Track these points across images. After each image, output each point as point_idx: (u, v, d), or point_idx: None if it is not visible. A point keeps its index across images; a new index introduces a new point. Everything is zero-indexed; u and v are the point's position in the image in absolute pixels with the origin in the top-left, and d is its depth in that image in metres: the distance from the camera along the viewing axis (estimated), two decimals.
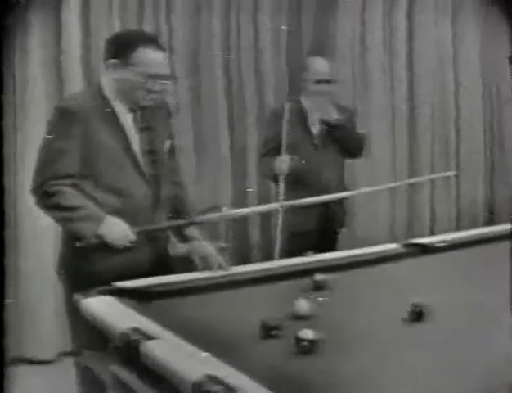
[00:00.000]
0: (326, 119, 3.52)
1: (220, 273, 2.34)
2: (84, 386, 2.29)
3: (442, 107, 5.06)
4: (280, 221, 3.28)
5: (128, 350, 1.59)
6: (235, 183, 4.33)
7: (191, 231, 2.51)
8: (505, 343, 1.62)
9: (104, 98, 2.35)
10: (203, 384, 1.29)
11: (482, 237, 2.91)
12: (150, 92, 2.33)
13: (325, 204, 3.44)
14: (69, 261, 2.37)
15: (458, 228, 4.84)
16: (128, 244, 2.29)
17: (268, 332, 1.70)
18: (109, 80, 2.36)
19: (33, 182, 2.33)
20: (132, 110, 2.38)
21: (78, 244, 2.27)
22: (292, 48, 4.41)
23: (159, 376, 1.46)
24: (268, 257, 3.41)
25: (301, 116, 3.56)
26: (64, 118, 2.30)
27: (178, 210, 2.55)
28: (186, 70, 4.18)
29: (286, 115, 3.37)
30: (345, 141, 3.56)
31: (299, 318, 1.86)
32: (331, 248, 3.30)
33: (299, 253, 2.56)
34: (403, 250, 2.69)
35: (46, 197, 2.29)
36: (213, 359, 1.46)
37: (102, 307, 1.88)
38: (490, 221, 4.98)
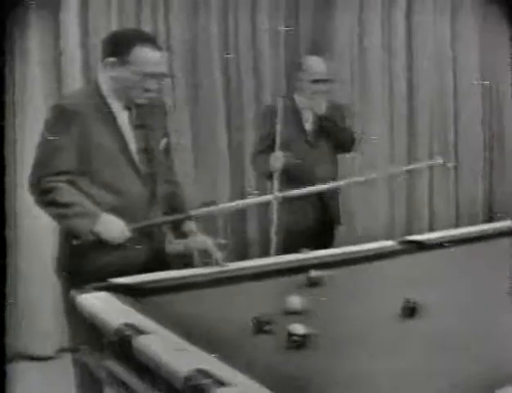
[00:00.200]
0: (315, 112, 3.55)
1: (216, 268, 2.36)
2: (82, 381, 2.31)
3: (440, 106, 5.06)
4: (274, 216, 3.30)
5: (121, 345, 1.61)
6: (232, 181, 4.35)
7: (189, 226, 2.53)
8: (500, 338, 1.64)
9: (101, 96, 2.37)
10: (193, 378, 1.30)
11: (479, 235, 2.91)
12: (146, 90, 2.36)
13: (320, 201, 3.48)
14: (67, 259, 2.39)
15: (457, 226, 4.84)
16: (124, 241, 2.31)
17: (260, 327, 1.72)
18: (106, 78, 2.39)
19: (30, 178, 2.35)
20: (128, 108, 2.40)
21: (74, 242, 2.29)
22: (290, 48, 4.42)
23: (151, 370, 1.48)
24: (266, 254, 3.42)
25: (295, 114, 3.59)
26: (61, 116, 2.33)
27: (175, 207, 2.57)
28: (184, 70, 4.20)
29: (279, 112, 3.38)
30: (334, 134, 3.59)
31: (292, 313, 1.87)
32: (328, 245, 3.31)
33: (295, 250, 2.58)
34: (399, 247, 2.70)
35: (43, 194, 2.31)
36: (205, 354, 1.47)
37: (97, 303, 1.90)
38: (489, 219, 4.98)
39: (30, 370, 3.65)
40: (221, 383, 1.28)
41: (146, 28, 3.93)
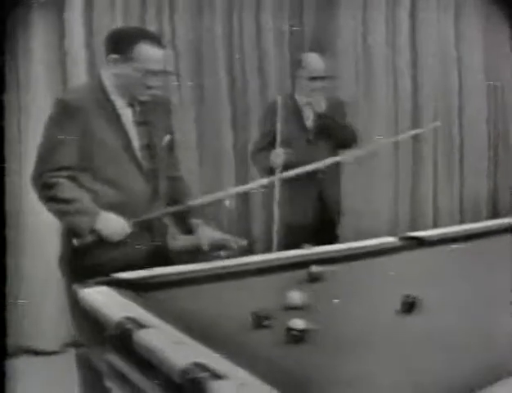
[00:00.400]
0: (315, 110, 3.56)
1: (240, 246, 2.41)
2: (84, 375, 2.34)
3: (445, 105, 5.06)
4: (276, 212, 3.31)
5: (122, 339, 1.63)
6: (237, 180, 4.36)
7: (195, 221, 2.55)
8: (500, 335, 1.64)
9: (104, 93, 2.40)
10: (190, 371, 1.31)
11: (481, 231, 2.92)
12: (148, 87, 2.38)
13: (320, 196, 3.49)
14: (69, 256, 2.40)
15: (461, 222, 4.85)
16: (124, 238, 2.33)
17: (259, 322, 1.73)
18: (109, 75, 2.41)
19: (32, 173, 2.38)
20: (131, 104, 2.42)
21: (75, 242, 2.32)
22: (295, 47, 4.43)
23: (151, 363, 1.49)
24: (269, 250, 3.43)
25: (296, 111, 3.62)
26: (64, 111, 2.35)
27: (178, 203, 2.59)
28: (189, 69, 4.22)
29: (279, 108, 3.39)
30: (334, 131, 3.60)
31: (292, 308, 1.88)
32: (330, 241, 3.32)
33: (297, 246, 2.59)
34: (400, 243, 2.71)
35: (44, 189, 2.33)
36: (203, 348, 1.49)
37: (99, 297, 1.91)
38: (493, 216, 4.98)
39: (34, 364, 3.69)
40: (217, 376, 1.29)
41: (151, 28, 3.94)
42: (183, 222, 2.58)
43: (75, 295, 2.00)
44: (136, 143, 2.42)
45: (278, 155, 3.39)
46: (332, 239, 3.51)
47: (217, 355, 1.43)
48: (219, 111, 4.33)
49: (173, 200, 2.58)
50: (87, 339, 2.10)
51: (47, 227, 3.48)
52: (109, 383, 1.77)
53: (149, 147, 2.45)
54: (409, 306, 1.87)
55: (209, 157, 4.33)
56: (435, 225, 4.90)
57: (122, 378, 1.67)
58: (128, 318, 1.66)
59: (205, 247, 2.45)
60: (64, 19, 3.81)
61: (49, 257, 3.22)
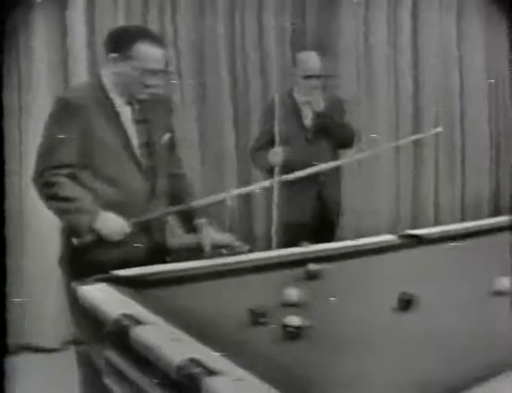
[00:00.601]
0: (313, 109, 3.56)
1: (242, 252, 2.42)
2: (84, 372, 2.35)
3: (447, 104, 5.06)
4: (274, 211, 3.32)
5: (119, 335, 1.64)
6: (239, 179, 4.38)
7: (199, 221, 2.56)
8: (496, 333, 1.64)
9: (103, 91, 2.41)
10: (186, 367, 1.33)
11: (480, 229, 2.93)
12: (146, 86, 2.39)
13: (319, 196, 3.49)
14: (69, 254, 2.42)
15: (463, 220, 4.85)
16: (123, 237, 2.35)
17: (256, 319, 1.74)
18: (108, 74, 2.42)
19: (33, 171, 2.39)
20: (129, 103, 2.44)
21: (74, 242, 2.33)
22: (297, 47, 4.43)
23: (148, 360, 1.50)
24: (269, 248, 3.44)
25: (294, 110, 3.62)
26: (65, 109, 2.37)
27: (180, 201, 2.61)
28: (191, 69, 4.24)
29: (277, 107, 3.40)
30: (333, 130, 3.60)
31: (289, 305, 1.89)
32: (329, 239, 3.33)
33: (296, 244, 2.60)
34: (399, 241, 2.72)
35: (45, 187, 2.35)
36: (199, 344, 1.50)
37: (98, 294, 1.93)
38: (495, 214, 4.98)
39: (35, 362, 3.71)
40: (213, 372, 1.30)
41: (153, 27, 3.95)
42: (187, 221, 2.59)
43: (75, 292, 2.01)
44: (135, 141, 2.43)
45: (277, 153, 3.40)
46: (331, 239, 3.52)
47: (213, 352, 1.44)
48: (221, 110, 4.35)
49: (175, 197, 2.59)
50: (86, 336, 2.11)
51: (46, 226, 3.49)
52: (108, 380, 1.78)
53: (148, 145, 2.46)
54: (406, 304, 1.87)
55: (211, 156, 4.35)
56: (436, 223, 4.91)
57: (120, 375, 1.68)
58: (126, 315, 1.67)
59: (206, 249, 2.47)
60: (66, 17, 3.82)
61: (49, 256, 3.24)
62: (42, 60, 3.80)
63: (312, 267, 2.24)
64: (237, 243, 2.45)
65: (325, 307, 1.93)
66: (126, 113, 2.42)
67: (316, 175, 3.34)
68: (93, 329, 1.90)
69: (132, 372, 1.61)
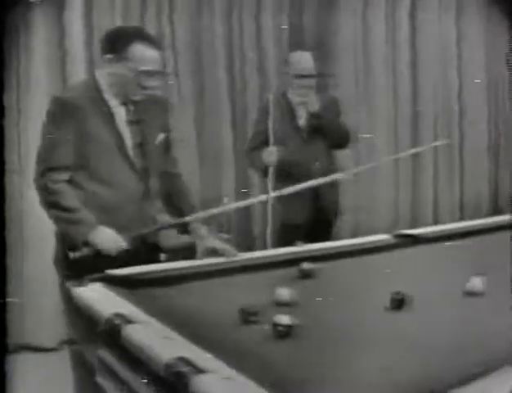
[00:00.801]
0: (308, 109, 3.55)
1: (231, 258, 2.40)
2: (78, 372, 2.36)
3: (445, 105, 5.06)
4: (269, 211, 3.32)
5: (111, 334, 1.65)
6: (237, 179, 4.40)
7: (196, 225, 2.56)
8: (494, 333, 1.65)
9: (98, 91, 2.42)
10: (174, 365, 1.34)
11: (476, 228, 2.93)
12: (142, 87, 2.40)
13: (316, 196, 3.47)
14: (64, 253, 2.42)
15: (461, 220, 4.85)
16: (119, 252, 2.36)
17: (247, 318, 1.75)
18: (104, 74, 2.44)
19: (34, 171, 2.41)
20: (124, 103, 2.45)
21: (71, 255, 2.34)
22: (294, 46, 4.44)
23: (138, 358, 1.51)
24: (265, 247, 3.45)
25: (289, 110, 3.60)
26: (61, 109, 2.38)
27: (175, 201, 2.62)
28: (189, 69, 4.25)
29: (271, 107, 3.40)
30: (328, 131, 3.59)
31: (281, 305, 1.89)
32: (325, 240, 3.32)
33: (291, 243, 2.61)
34: (394, 240, 2.72)
35: (46, 194, 2.37)
36: (188, 343, 1.51)
37: (92, 294, 1.94)
38: (494, 213, 4.98)
39: (33, 361, 3.73)
40: (201, 370, 1.31)
41: (151, 28, 3.97)
42: (183, 223, 2.59)
43: (69, 291, 2.03)
44: (129, 142, 2.44)
45: (271, 153, 3.40)
46: (327, 239, 3.51)
47: (203, 351, 1.45)
48: (219, 111, 4.36)
49: (170, 197, 2.61)
50: (80, 336, 2.12)
51: (45, 226, 3.49)
52: (100, 379, 1.79)
53: (141, 146, 2.47)
54: (398, 303, 1.87)
55: (209, 156, 4.36)
56: (435, 223, 4.91)
57: (112, 374, 1.70)
58: (118, 314, 1.69)
59: (200, 255, 2.48)
60: (64, 18, 3.84)
61: (48, 256, 3.25)
62: (40, 61, 3.81)
63: (305, 266, 2.24)
64: (233, 251, 2.44)
65: (317, 306, 1.93)
66: (120, 114, 2.44)
67: (314, 177, 3.31)
68: (87, 328, 1.91)
69: (124, 371, 1.62)
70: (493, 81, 5.21)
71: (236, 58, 4.39)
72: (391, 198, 4.92)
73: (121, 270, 2.15)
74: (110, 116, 2.41)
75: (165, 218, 2.63)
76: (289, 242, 2.69)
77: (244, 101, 4.41)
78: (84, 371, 2.20)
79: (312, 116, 3.56)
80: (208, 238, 2.52)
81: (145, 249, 2.48)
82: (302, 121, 3.61)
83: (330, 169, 3.57)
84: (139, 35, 2.45)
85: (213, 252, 2.44)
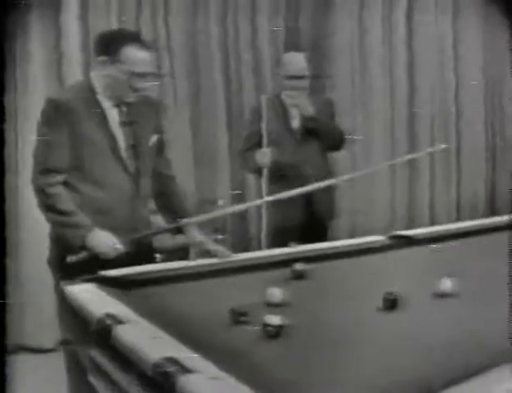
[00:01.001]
0: (302, 113, 3.54)
1: (224, 259, 2.41)
2: (71, 371, 2.37)
3: (442, 106, 5.07)
4: (263, 215, 3.33)
5: (102, 335, 1.66)
6: (232, 180, 4.41)
7: (190, 227, 2.58)
8: (487, 333, 1.65)
9: (92, 93, 2.44)
10: (161, 365, 1.35)
11: (471, 229, 2.94)
12: (135, 89, 2.42)
13: (310, 198, 3.44)
14: (58, 254, 2.46)
15: (458, 220, 4.86)
16: (116, 255, 2.37)
17: (237, 318, 1.75)
18: (97, 76, 2.45)
19: (32, 171, 2.42)
20: (117, 105, 2.46)
21: (69, 259, 2.35)
22: (290, 48, 4.44)
23: (128, 358, 1.52)
24: (259, 248, 3.46)
25: (282, 112, 3.59)
26: (55, 111, 2.39)
27: (167, 203, 2.63)
28: (184, 71, 4.26)
29: (264, 108, 3.40)
30: (322, 133, 3.58)
31: (272, 305, 1.90)
32: (320, 241, 3.32)
33: (285, 244, 2.61)
34: (388, 242, 2.72)
35: (44, 196, 2.38)
36: (177, 343, 1.52)
37: (84, 294, 1.94)
38: (491, 215, 4.98)
39: (31, 361, 3.74)
40: (188, 370, 1.32)
41: (146, 30, 4.00)
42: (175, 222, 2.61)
43: (62, 292, 2.04)
44: (121, 144, 2.46)
45: (265, 154, 3.40)
46: (322, 241, 3.51)
47: (190, 350, 1.46)
48: (214, 112, 4.37)
49: (162, 198, 2.62)
50: (73, 336, 2.13)
51: (43, 227, 3.50)
52: (92, 378, 1.80)
53: (134, 147, 2.48)
54: (391, 303, 1.87)
55: (204, 157, 4.36)
56: (432, 224, 4.91)
57: (103, 373, 1.70)
58: (109, 315, 1.69)
59: (192, 256, 2.49)
60: (60, 21, 3.85)
61: (46, 257, 3.25)
62: (37, 63, 3.82)
63: (298, 267, 2.25)
64: (226, 252, 2.45)
65: (309, 307, 1.94)
66: (113, 115, 2.45)
67: (307, 179, 3.31)
68: (80, 329, 1.92)
69: (114, 371, 1.63)
70: (490, 82, 5.21)
71: (232, 60, 4.40)
72: (388, 199, 4.93)
73: (114, 271, 2.16)
74: (103, 118, 2.42)
75: (158, 219, 2.65)
76: (283, 244, 2.70)
77: (240, 103, 4.41)
78: (78, 371, 2.21)
79: (306, 118, 3.55)
80: (200, 240, 2.53)
81: (140, 250, 2.49)
82: (295, 123, 3.59)
83: (324, 170, 3.58)
84: (131, 37, 2.47)
85: (207, 253, 2.45)
